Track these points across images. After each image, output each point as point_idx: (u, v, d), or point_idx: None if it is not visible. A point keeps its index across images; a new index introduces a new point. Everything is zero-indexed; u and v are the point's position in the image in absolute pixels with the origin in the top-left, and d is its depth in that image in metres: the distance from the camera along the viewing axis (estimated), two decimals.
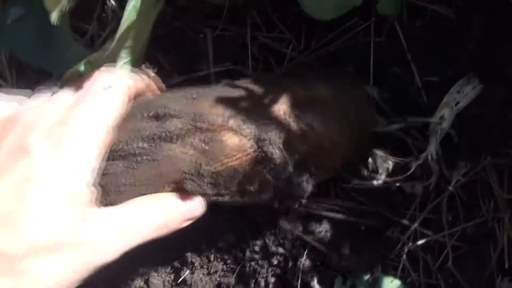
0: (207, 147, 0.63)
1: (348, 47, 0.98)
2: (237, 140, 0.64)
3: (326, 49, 0.98)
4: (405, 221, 0.94)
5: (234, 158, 0.64)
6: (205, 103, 0.67)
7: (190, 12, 1.01)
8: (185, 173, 0.64)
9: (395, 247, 0.93)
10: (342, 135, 0.75)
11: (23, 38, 0.98)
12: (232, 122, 0.65)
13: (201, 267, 0.94)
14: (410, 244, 0.93)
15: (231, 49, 1.00)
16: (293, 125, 0.69)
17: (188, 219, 0.69)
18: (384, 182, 0.94)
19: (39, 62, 0.99)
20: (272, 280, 0.93)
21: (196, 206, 0.68)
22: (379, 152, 0.95)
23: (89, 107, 0.61)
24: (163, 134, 0.62)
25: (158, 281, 0.94)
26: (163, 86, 0.76)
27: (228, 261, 0.94)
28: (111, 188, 0.61)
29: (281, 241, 0.92)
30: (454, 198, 0.94)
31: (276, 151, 0.65)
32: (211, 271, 0.94)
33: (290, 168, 0.67)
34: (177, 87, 0.75)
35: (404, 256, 0.93)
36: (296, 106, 0.70)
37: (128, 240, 0.60)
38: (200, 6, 1.01)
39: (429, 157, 0.91)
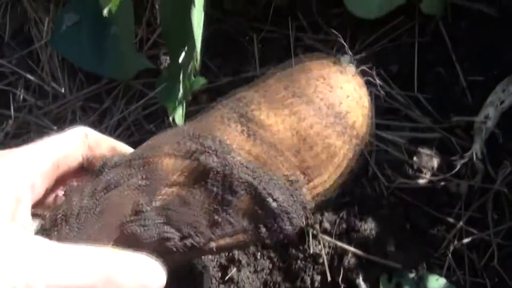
0: (144, 182, 0.54)
1: (392, 47, 0.99)
2: (172, 161, 0.54)
3: (370, 49, 0.99)
4: (451, 220, 0.94)
5: (174, 181, 0.54)
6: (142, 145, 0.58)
7: (236, 15, 1.03)
8: (126, 216, 0.53)
9: (440, 246, 0.94)
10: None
11: (77, 44, 1.01)
12: (166, 148, 0.55)
13: (248, 265, 0.96)
14: (456, 242, 0.93)
15: (276, 51, 1.02)
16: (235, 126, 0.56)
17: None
18: (429, 181, 0.95)
19: (91, 67, 1.03)
20: (317, 278, 0.94)
21: (155, 275, 0.52)
22: (424, 151, 0.96)
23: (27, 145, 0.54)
24: (102, 185, 0.54)
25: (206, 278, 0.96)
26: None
27: (275, 259, 0.95)
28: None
29: (326, 240, 0.94)
30: (500, 196, 0.94)
31: (214, 159, 0.53)
32: (258, 269, 0.96)
33: (241, 173, 0.53)
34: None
35: (450, 255, 0.93)
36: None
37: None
38: (245, 9, 1.03)
39: (474, 156, 0.91)
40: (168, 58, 1.03)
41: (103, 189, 0.54)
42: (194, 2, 0.79)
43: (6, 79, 1.07)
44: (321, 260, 0.94)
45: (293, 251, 0.95)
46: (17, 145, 0.97)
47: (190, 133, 0.55)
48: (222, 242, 0.54)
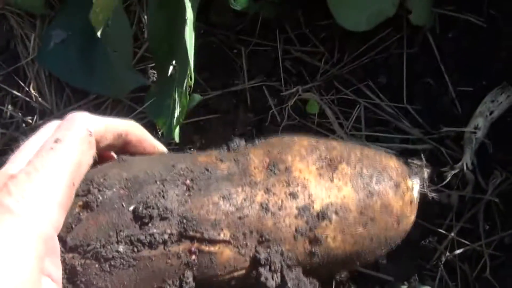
0: (194, 259, 0.54)
1: (381, 59, 0.99)
2: (231, 255, 0.55)
3: (359, 61, 0.99)
4: (442, 231, 0.94)
5: (224, 275, 0.55)
6: (201, 200, 0.56)
7: (223, 28, 1.03)
8: (168, 283, 0.54)
9: (432, 257, 0.94)
10: (358, 245, 0.60)
11: (65, 60, 1.01)
12: (229, 235, 0.55)
13: None
14: (448, 253, 0.93)
15: (264, 63, 1.02)
16: (301, 242, 0.57)
17: None
18: (420, 192, 0.94)
19: (79, 83, 1.02)
20: None
21: None
22: (414, 163, 0.95)
23: (36, 171, 0.50)
24: (145, 238, 0.53)
25: None
26: (143, 135, 0.62)
27: None
28: (83, 287, 0.53)
29: None
30: (491, 207, 0.94)
31: (272, 282, 0.55)
32: None
33: None
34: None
35: (442, 266, 0.93)
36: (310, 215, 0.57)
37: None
38: (232, 22, 1.03)
39: (465, 167, 0.91)
40: (155, 72, 1.03)
41: (144, 243, 0.53)
42: (186, 21, 0.78)
43: None
44: None
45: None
46: (3, 162, 0.96)
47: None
48: None
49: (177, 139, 0.91)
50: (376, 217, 0.59)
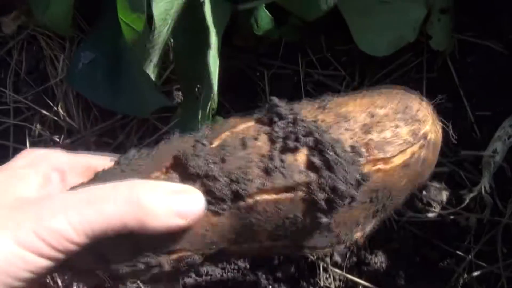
0: (208, 131, 0.54)
1: (401, 83, 1.00)
2: (241, 119, 0.55)
3: (379, 85, 1.01)
4: (460, 253, 0.95)
5: (240, 129, 0.54)
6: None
7: (247, 52, 1.05)
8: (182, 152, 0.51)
9: (450, 279, 0.95)
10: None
11: (93, 81, 1.04)
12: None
13: None
14: (465, 275, 0.94)
15: (286, 86, 1.04)
16: None
17: (180, 216, 0.48)
18: (439, 215, 0.96)
19: (107, 103, 1.05)
20: None
21: (191, 200, 0.49)
22: (433, 185, 0.97)
23: None
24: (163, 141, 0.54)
25: None
26: None
27: None
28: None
29: (337, 273, 0.95)
30: (509, 230, 0.95)
31: (283, 110, 0.54)
32: None
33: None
34: None
35: None
36: None
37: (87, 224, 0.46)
38: (256, 45, 1.05)
39: (483, 190, 0.92)
40: (181, 93, 1.05)
41: (165, 141, 0.53)
42: (210, 45, 0.81)
43: (22, 115, 1.10)
44: None
45: (304, 284, 0.96)
46: None
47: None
48: (266, 198, 0.50)
49: None
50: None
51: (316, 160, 0.51)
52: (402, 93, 0.59)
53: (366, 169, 0.52)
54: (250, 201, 0.50)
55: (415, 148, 0.55)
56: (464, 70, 0.99)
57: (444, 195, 0.97)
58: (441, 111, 0.98)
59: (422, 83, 0.99)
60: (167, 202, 0.47)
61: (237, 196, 0.50)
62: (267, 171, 0.50)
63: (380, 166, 0.53)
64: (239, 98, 1.04)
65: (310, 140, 0.51)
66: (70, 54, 1.09)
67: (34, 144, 1.07)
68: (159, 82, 1.05)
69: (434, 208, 0.96)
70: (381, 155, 0.53)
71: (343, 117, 0.54)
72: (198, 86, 0.95)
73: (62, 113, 1.08)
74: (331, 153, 0.50)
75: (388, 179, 0.54)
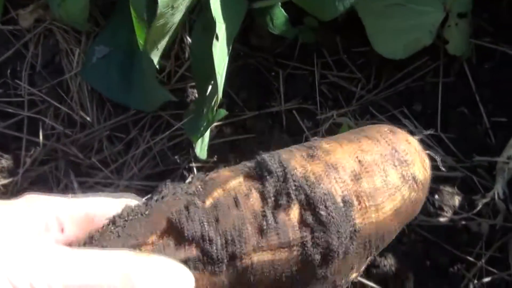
0: (200, 187, 0.53)
1: (416, 87, 1.01)
2: (231, 172, 0.55)
3: (394, 88, 1.01)
4: (471, 258, 0.95)
5: (230, 186, 0.53)
6: None
7: (263, 51, 1.05)
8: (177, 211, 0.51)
9: (460, 284, 0.94)
10: None
11: (106, 75, 1.04)
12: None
13: None
14: (476, 281, 0.94)
15: (301, 86, 1.04)
16: None
17: None
18: (450, 219, 0.96)
19: (119, 98, 1.05)
20: None
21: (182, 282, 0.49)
22: (446, 189, 0.97)
23: None
24: (156, 196, 0.53)
25: None
26: None
27: None
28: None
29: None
30: None
31: (274, 164, 0.53)
32: None
33: None
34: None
35: None
36: None
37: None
38: (272, 45, 1.05)
39: (496, 196, 0.92)
40: (195, 91, 1.05)
41: (157, 199, 0.52)
42: (217, 37, 0.81)
43: (36, 107, 1.10)
44: None
45: None
46: (44, 171, 0.97)
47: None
48: (262, 257, 0.51)
49: (203, 156, 0.94)
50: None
51: (309, 217, 0.51)
52: (389, 133, 0.58)
53: (359, 220, 0.53)
54: (247, 260, 0.51)
55: (404, 192, 0.55)
56: (481, 76, 0.98)
57: (457, 200, 0.97)
58: (456, 117, 0.99)
59: (438, 87, 0.99)
60: (159, 284, 0.48)
61: (233, 256, 0.51)
62: (261, 230, 0.51)
63: (373, 214, 0.54)
64: (253, 96, 1.04)
65: (301, 197, 0.52)
66: (86, 48, 1.09)
67: (47, 137, 1.07)
68: (174, 79, 1.06)
69: (446, 212, 0.96)
70: (372, 203, 0.53)
71: (332, 167, 0.54)
72: (211, 83, 0.95)
73: (76, 107, 1.08)
74: (322, 209, 0.51)
75: (380, 226, 0.54)
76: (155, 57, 0.87)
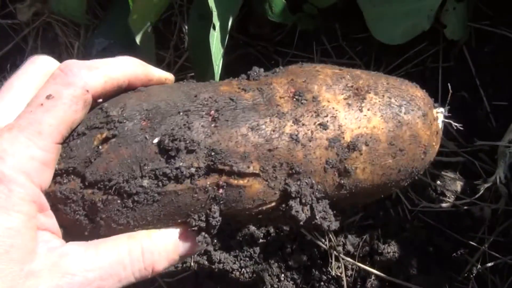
0: (222, 193, 0.52)
1: (416, 72, 1.00)
2: (260, 189, 0.53)
3: (394, 74, 1.00)
4: (474, 243, 0.94)
5: (252, 209, 0.54)
6: (229, 131, 0.53)
7: (262, 40, 1.05)
8: (193, 218, 0.53)
9: (463, 269, 0.94)
10: (386, 176, 0.58)
11: None
12: (258, 167, 0.53)
13: (272, 286, 0.97)
14: (479, 266, 0.94)
15: None
16: (331, 174, 0.55)
17: (185, 255, 0.55)
18: (453, 205, 0.95)
19: None
20: None
21: (194, 245, 0.55)
22: (447, 175, 0.97)
23: (20, 130, 0.47)
24: (171, 172, 0.51)
25: None
26: (148, 74, 0.56)
27: (298, 281, 0.97)
28: (103, 223, 0.52)
29: (349, 262, 0.95)
30: None
31: (302, 215, 0.54)
32: None
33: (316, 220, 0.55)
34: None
35: (473, 278, 0.93)
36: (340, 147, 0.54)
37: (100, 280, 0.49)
38: (271, 34, 1.05)
39: (498, 180, 0.91)
40: (195, 81, 1.05)
41: (170, 176, 0.51)
42: (214, 26, 0.81)
43: None
44: (343, 283, 0.95)
45: (316, 273, 0.96)
46: None
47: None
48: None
49: None
50: (405, 148, 0.56)
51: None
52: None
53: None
54: None
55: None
56: (480, 60, 0.98)
57: (459, 185, 0.96)
58: (457, 101, 0.98)
59: (437, 72, 0.99)
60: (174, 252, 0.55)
61: None
62: None
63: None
64: None
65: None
66: (85, 41, 1.09)
67: None
68: (173, 69, 1.05)
69: (448, 198, 0.96)
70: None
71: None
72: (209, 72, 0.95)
73: None
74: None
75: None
76: (144, 33, 0.86)
